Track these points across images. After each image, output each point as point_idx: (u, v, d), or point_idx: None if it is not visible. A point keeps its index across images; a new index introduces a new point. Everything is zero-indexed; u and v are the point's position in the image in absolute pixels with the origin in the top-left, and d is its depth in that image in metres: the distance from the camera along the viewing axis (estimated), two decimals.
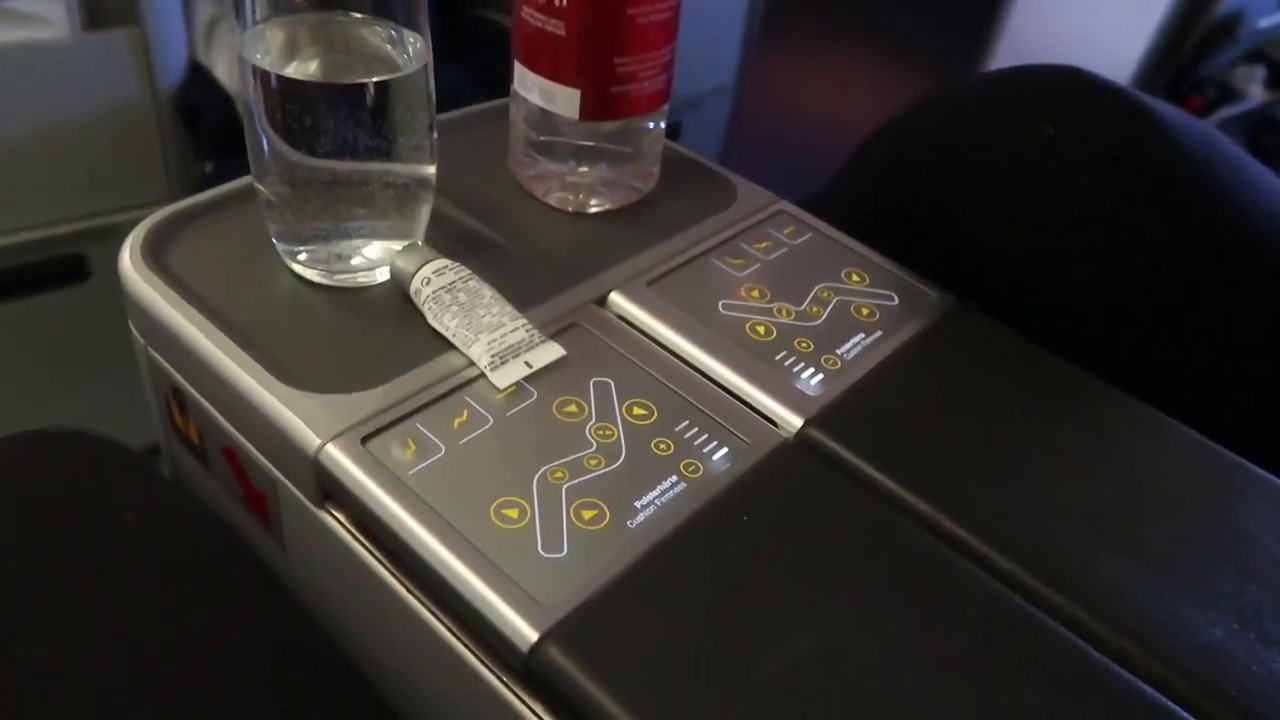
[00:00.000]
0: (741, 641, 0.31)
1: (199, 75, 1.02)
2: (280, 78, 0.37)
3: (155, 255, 0.42)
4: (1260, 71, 1.93)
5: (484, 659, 0.32)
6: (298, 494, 0.37)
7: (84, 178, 0.98)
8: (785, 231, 0.50)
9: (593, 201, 0.49)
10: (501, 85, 0.56)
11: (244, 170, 0.42)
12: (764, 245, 0.49)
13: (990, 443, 0.40)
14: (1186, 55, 1.85)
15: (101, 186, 0.99)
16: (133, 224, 0.43)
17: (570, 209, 0.49)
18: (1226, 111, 1.87)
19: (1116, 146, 0.46)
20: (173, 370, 0.41)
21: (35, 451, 0.42)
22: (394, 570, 0.35)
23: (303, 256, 0.42)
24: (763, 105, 1.85)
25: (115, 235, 1.02)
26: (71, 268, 1.01)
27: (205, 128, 1.00)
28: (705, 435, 0.38)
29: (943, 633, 0.33)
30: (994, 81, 0.51)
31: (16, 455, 0.42)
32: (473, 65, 1.11)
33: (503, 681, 0.32)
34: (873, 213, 0.55)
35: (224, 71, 1.02)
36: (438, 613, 0.34)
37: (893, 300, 0.47)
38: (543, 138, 0.48)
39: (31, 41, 0.90)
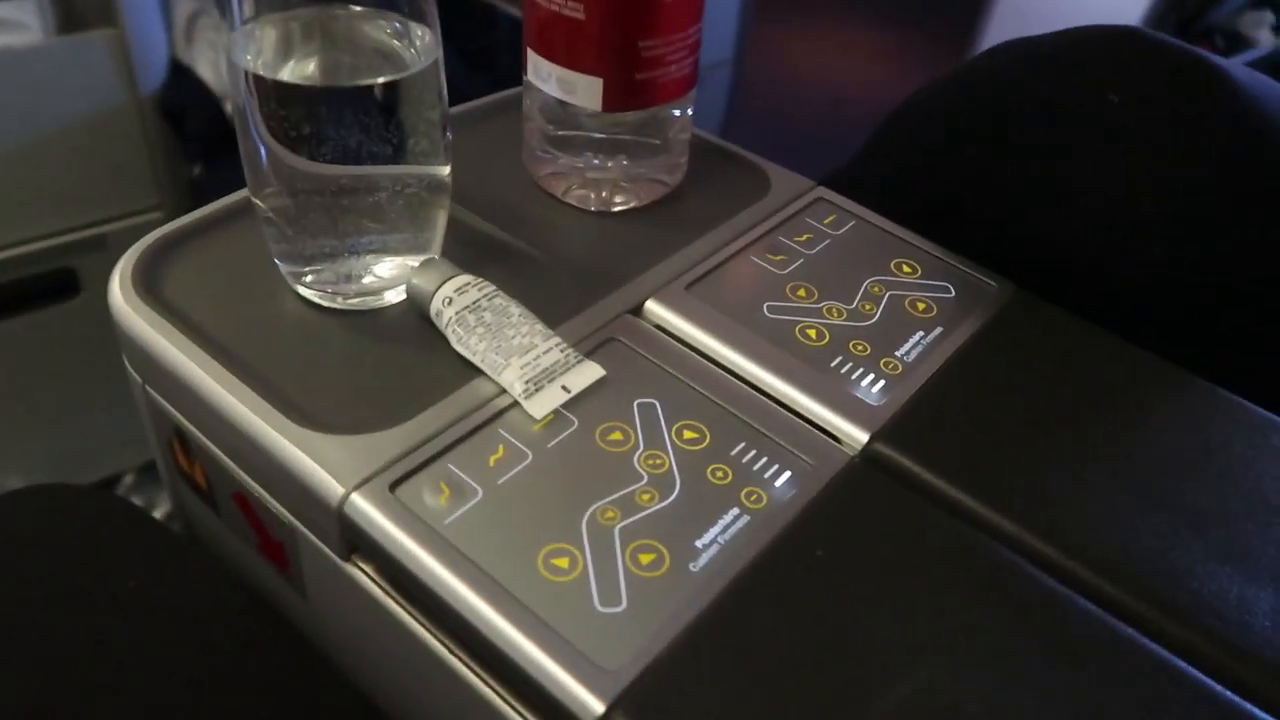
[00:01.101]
0: (831, 696, 0.28)
1: (181, 75, 0.97)
2: (275, 83, 0.33)
3: (148, 284, 0.38)
4: (1269, 17, 1.88)
5: None
6: (320, 545, 0.34)
7: (69, 187, 0.94)
8: (826, 221, 0.47)
9: (617, 199, 0.46)
10: (498, 70, 0.52)
11: (234, 171, 0.38)
12: (805, 237, 0.45)
13: (1074, 446, 0.37)
14: (1193, 2, 1.80)
15: (88, 196, 0.95)
16: (122, 234, 0.39)
17: (593, 208, 0.46)
18: (1236, 59, 1.82)
19: (1189, 113, 0.42)
20: (174, 411, 0.38)
21: (28, 512, 0.39)
22: (434, 630, 0.31)
23: (309, 278, 0.38)
24: (763, 78, 1.81)
25: (105, 247, 0.99)
26: (61, 283, 0.97)
27: (191, 129, 0.96)
28: (765, 458, 0.34)
29: (1055, 674, 0.29)
30: (1046, 46, 0.47)
31: (14, 514, 0.38)
32: (464, 48, 1.07)
33: None
34: (911, 193, 0.52)
35: (207, 69, 0.98)
36: (487, 679, 0.30)
37: (949, 292, 0.43)
38: (561, 132, 0.44)
39: (5, 48, 0.85)
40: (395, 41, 0.36)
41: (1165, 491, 0.35)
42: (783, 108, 1.79)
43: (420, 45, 0.36)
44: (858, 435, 0.36)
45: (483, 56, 1.09)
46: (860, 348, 0.40)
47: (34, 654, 0.34)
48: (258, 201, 0.37)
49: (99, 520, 0.39)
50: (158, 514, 1.06)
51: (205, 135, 0.97)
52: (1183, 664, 0.30)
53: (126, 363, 0.39)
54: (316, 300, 0.39)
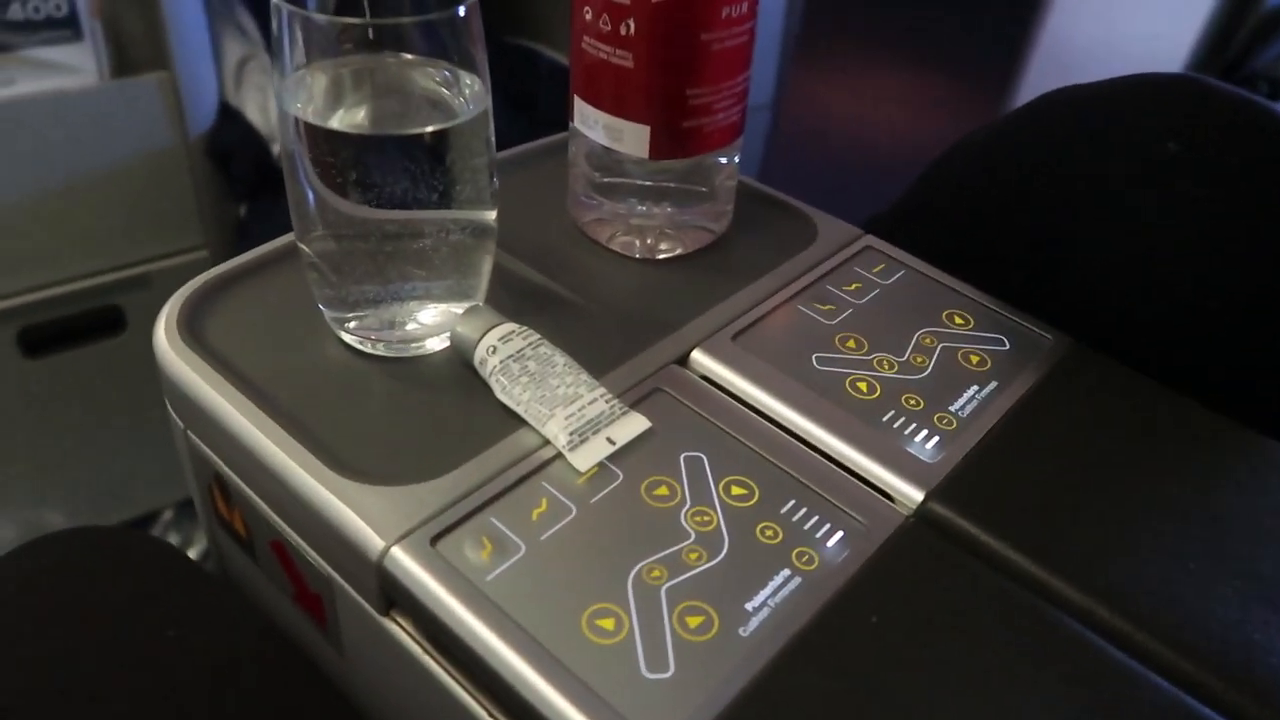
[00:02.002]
0: None
1: (230, 116, 0.99)
2: (325, 131, 0.33)
3: (192, 328, 0.38)
4: None
5: None
6: (358, 599, 0.33)
7: (117, 226, 0.95)
8: (875, 270, 0.46)
9: (662, 246, 0.45)
10: (535, 110, 0.52)
11: (278, 212, 0.38)
12: (854, 287, 0.44)
13: (1137, 507, 0.35)
14: (1235, 50, 1.78)
15: (135, 235, 0.96)
16: (167, 272, 0.39)
17: (637, 255, 0.45)
18: None
19: (1252, 161, 0.41)
20: (215, 457, 0.37)
21: (68, 554, 0.38)
22: (473, 691, 0.30)
23: (352, 324, 0.38)
24: (801, 122, 1.81)
25: (150, 285, 1.00)
26: (107, 320, 0.98)
27: (238, 170, 0.97)
28: (816, 517, 0.33)
29: None
30: (1099, 93, 0.46)
31: (48, 559, 0.38)
32: (505, 92, 1.08)
33: None
34: (957, 241, 0.51)
35: (255, 112, 1.00)
36: None
37: (1004, 345, 0.42)
38: (606, 179, 0.44)
39: (60, 91, 0.87)
40: (445, 90, 0.36)
41: (1235, 557, 0.34)
42: (821, 152, 1.79)
43: (469, 94, 0.35)
44: (912, 494, 0.35)
45: (523, 99, 1.10)
46: (913, 402, 0.38)
47: (66, 700, 0.33)
48: (303, 246, 0.37)
49: (134, 564, 0.38)
50: (193, 552, 1.06)
51: (251, 177, 0.99)
52: None
53: (169, 406, 0.39)
54: (360, 347, 0.38)
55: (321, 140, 0.33)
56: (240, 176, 0.98)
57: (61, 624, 0.36)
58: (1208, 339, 0.43)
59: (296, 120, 0.34)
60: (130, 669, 0.35)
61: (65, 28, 0.87)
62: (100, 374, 1.00)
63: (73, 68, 0.88)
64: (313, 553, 0.34)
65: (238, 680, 0.36)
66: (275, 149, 0.94)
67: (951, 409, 0.38)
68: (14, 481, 1.01)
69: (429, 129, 0.33)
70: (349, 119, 0.34)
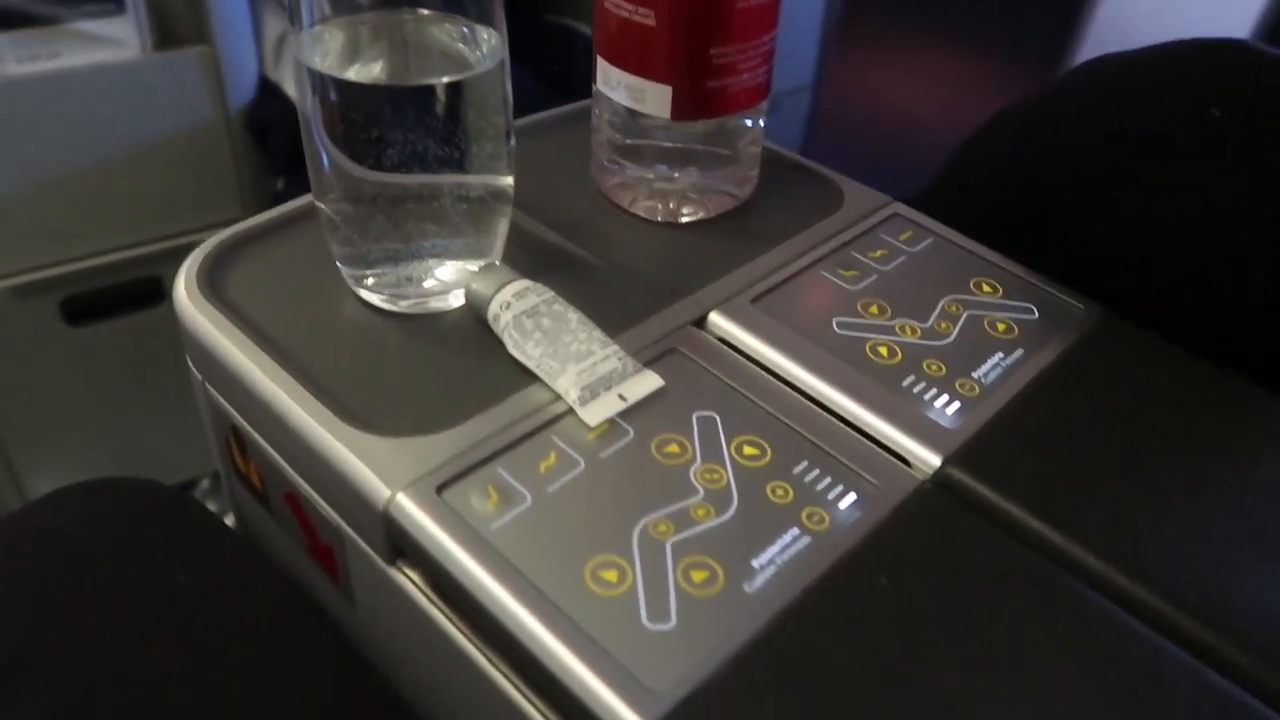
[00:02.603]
0: None
1: (269, 91, 1.00)
2: (340, 82, 0.33)
3: (212, 283, 0.39)
4: None
5: None
6: (366, 549, 0.33)
7: (158, 199, 0.97)
8: (902, 237, 0.45)
9: (685, 210, 0.45)
10: (574, 91, 0.52)
11: None
12: (879, 253, 0.44)
13: (1163, 477, 0.34)
14: None
15: (175, 207, 0.98)
16: None
17: (660, 219, 0.45)
18: None
19: None
20: (231, 409, 0.38)
21: (88, 504, 0.39)
22: (476, 640, 0.30)
23: (370, 281, 0.38)
24: (842, 104, 1.78)
25: (188, 256, 1.02)
26: (147, 290, 1.00)
27: (275, 144, 0.98)
28: (828, 478, 0.33)
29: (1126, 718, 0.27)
30: (1141, 60, 0.45)
31: (67, 509, 0.39)
32: (544, 71, 1.07)
33: None
34: (994, 212, 0.49)
35: (293, 86, 1.00)
36: (528, 693, 0.29)
37: (1032, 313, 0.41)
38: (629, 141, 0.43)
39: (104, 64, 0.89)
40: (461, 45, 0.36)
41: (1262, 529, 0.33)
42: (862, 133, 1.77)
43: (486, 48, 0.35)
44: (929, 458, 0.34)
45: (560, 79, 1.10)
46: (935, 368, 0.38)
47: (79, 640, 0.34)
48: (321, 205, 0.37)
49: (150, 513, 0.39)
50: (229, 519, 1.08)
51: (289, 151, 1.00)
52: (1273, 713, 0.27)
53: (189, 360, 0.40)
54: (376, 303, 0.38)
55: (338, 94, 0.33)
56: (278, 150, 1.00)
57: (78, 571, 0.36)
58: (1247, 312, 0.41)
59: (313, 73, 0.34)
60: (144, 614, 0.35)
61: (109, 1, 0.88)
62: (140, 343, 1.02)
63: (116, 41, 0.90)
64: (323, 503, 0.34)
65: (251, 628, 0.36)
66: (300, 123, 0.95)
67: (974, 375, 0.37)
68: (56, 447, 1.04)
69: (444, 80, 0.33)
70: (365, 73, 0.34)
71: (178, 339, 0.40)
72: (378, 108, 0.33)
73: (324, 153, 0.35)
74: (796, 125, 1.49)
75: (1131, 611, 0.30)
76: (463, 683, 0.31)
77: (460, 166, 0.36)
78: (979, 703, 0.27)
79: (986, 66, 1.96)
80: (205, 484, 1.16)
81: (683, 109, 0.41)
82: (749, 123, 0.44)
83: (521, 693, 0.29)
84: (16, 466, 1.02)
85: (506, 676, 0.29)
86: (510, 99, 0.36)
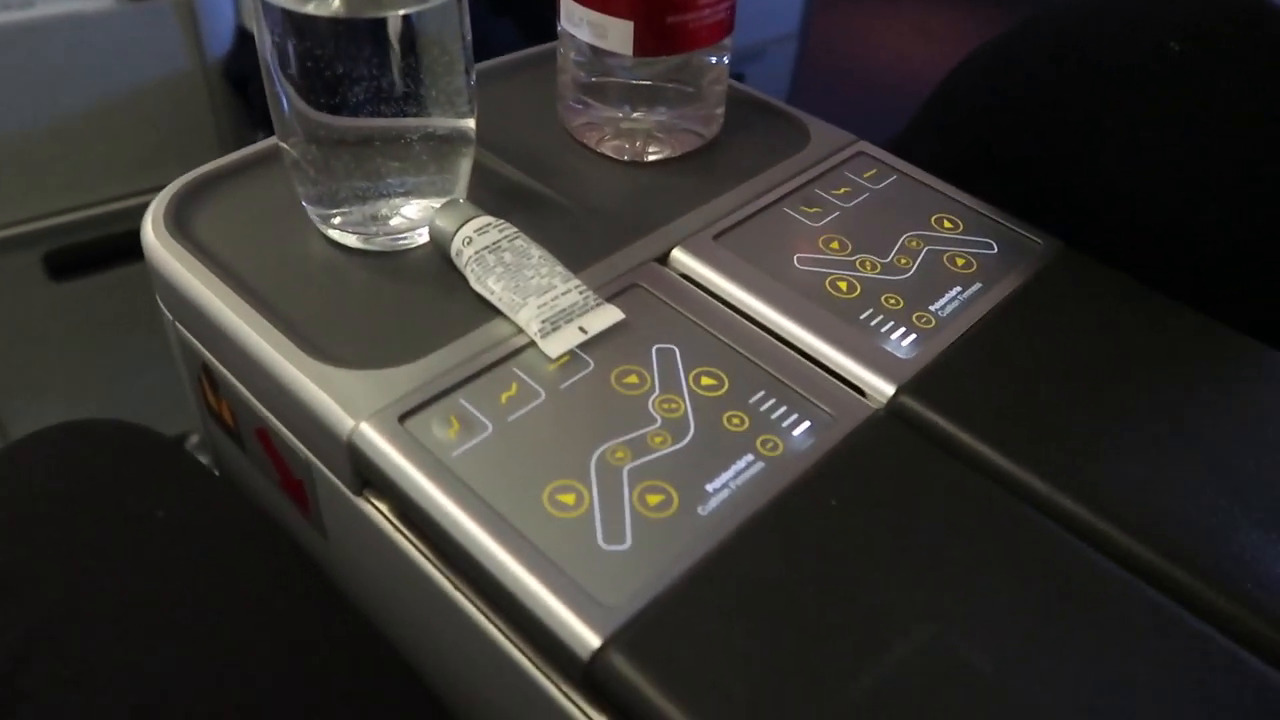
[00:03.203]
0: (834, 648, 0.27)
1: (246, 41, 0.99)
2: (297, 16, 0.33)
3: (180, 223, 0.39)
4: None
5: (539, 665, 0.29)
6: (334, 480, 0.34)
7: (138, 152, 0.96)
8: (866, 175, 0.45)
9: (651, 149, 0.45)
10: (550, 38, 0.52)
11: None
12: (842, 191, 0.44)
13: (1111, 407, 0.35)
14: None
15: (155, 159, 0.97)
16: None
17: (626, 158, 0.45)
18: None
19: (1259, 68, 0.40)
20: (201, 347, 0.38)
21: (65, 445, 0.39)
22: (439, 564, 0.31)
23: (336, 220, 0.38)
24: (829, 52, 1.77)
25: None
26: (130, 244, 1.00)
27: (254, 94, 0.97)
28: (784, 408, 0.34)
29: (1070, 634, 0.28)
30: None
31: (45, 449, 0.39)
32: (525, 19, 1.06)
33: (561, 690, 0.28)
34: (963, 152, 0.50)
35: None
36: (488, 612, 0.30)
37: (991, 248, 0.42)
38: (594, 79, 0.44)
39: (78, 14, 0.88)
40: None
41: (1209, 456, 0.34)
42: (849, 81, 1.75)
43: None
44: (883, 388, 0.35)
45: (542, 27, 1.09)
46: (893, 301, 0.38)
47: (55, 573, 0.35)
48: (284, 146, 0.38)
49: (131, 453, 0.40)
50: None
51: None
52: (1212, 630, 0.28)
53: (158, 300, 0.40)
54: (344, 241, 0.39)
55: (295, 29, 0.34)
56: (257, 101, 0.99)
57: (54, 508, 0.37)
58: (1200, 243, 0.42)
59: (269, 8, 0.34)
60: (121, 549, 0.36)
61: None
62: (124, 297, 1.02)
63: None
64: (292, 436, 0.35)
65: (228, 562, 0.37)
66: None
67: (932, 309, 0.38)
68: (42, 402, 1.04)
69: (400, 12, 0.33)
70: (322, 7, 0.34)
71: None
72: (335, 43, 0.33)
73: (283, 93, 0.35)
74: (783, 74, 1.48)
75: (1074, 532, 0.31)
76: (430, 607, 0.32)
77: (421, 104, 0.36)
78: (923, 618, 0.28)
79: (975, 11, 1.95)
80: (195, 439, 1.17)
81: (644, 45, 0.41)
82: (713, 59, 0.44)
83: (483, 612, 0.30)
84: (3, 420, 1.03)
85: (469, 598, 0.30)
86: (469, 36, 0.37)
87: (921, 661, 0.27)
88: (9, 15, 0.86)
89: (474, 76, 0.37)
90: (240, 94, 0.99)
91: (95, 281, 1.00)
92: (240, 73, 0.98)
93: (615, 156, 0.45)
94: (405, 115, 0.36)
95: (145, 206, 1.01)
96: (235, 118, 1.00)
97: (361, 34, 0.33)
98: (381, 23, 0.33)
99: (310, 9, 0.34)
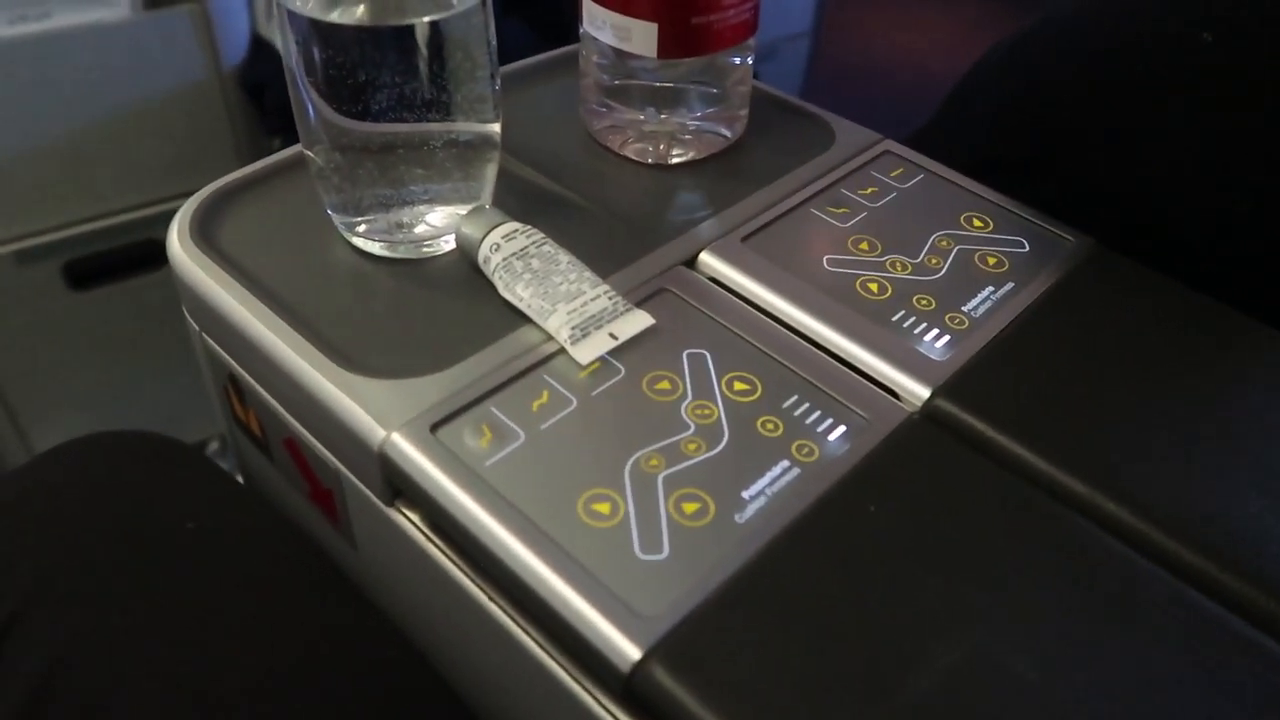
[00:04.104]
0: (877, 656, 0.26)
1: (261, 49, 0.99)
2: (322, 24, 0.33)
3: (205, 233, 0.39)
4: None
5: (578, 678, 0.28)
6: (365, 490, 0.33)
7: (154, 160, 0.96)
8: (892, 174, 0.45)
9: (674, 152, 0.45)
10: (568, 41, 0.52)
11: None
12: (870, 191, 0.43)
13: (1149, 407, 0.35)
14: None
15: (172, 168, 0.97)
16: None
17: (650, 161, 0.45)
18: None
19: None
20: (228, 357, 0.38)
21: (93, 456, 0.39)
22: (473, 576, 0.31)
23: (362, 228, 0.38)
24: (841, 50, 1.76)
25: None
26: (148, 253, 1.00)
27: (270, 102, 0.97)
28: (818, 412, 0.33)
29: (1115, 639, 0.27)
30: None
31: (74, 461, 0.39)
32: (536, 21, 1.06)
33: (600, 703, 0.28)
34: (987, 148, 0.49)
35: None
36: (524, 624, 0.30)
37: (1023, 247, 0.41)
38: (617, 82, 0.43)
39: (95, 23, 0.88)
40: None
41: (1249, 455, 0.33)
42: (862, 79, 1.75)
43: None
44: (918, 391, 0.34)
45: (553, 29, 1.09)
46: (925, 302, 0.38)
47: (88, 588, 0.34)
48: (309, 153, 0.37)
49: (158, 464, 0.40)
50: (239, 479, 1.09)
51: (284, 109, 0.99)
52: (1258, 632, 0.28)
53: (185, 310, 0.40)
54: (369, 249, 0.38)
55: (320, 37, 0.33)
56: (273, 108, 0.99)
57: (85, 521, 0.37)
58: (1233, 237, 0.41)
59: (295, 17, 0.33)
60: (153, 563, 0.36)
61: None
62: (143, 306, 1.02)
63: (106, 0, 0.89)
64: (321, 447, 0.35)
65: (258, 573, 0.37)
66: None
67: (964, 309, 0.38)
68: (63, 411, 1.04)
69: (425, 19, 0.33)
70: (347, 14, 0.34)
71: (179, 303, 0.40)
72: (360, 50, 0.33)
73: (309, 101, 0.35)
74: (796, 72, 1.47)
75: (1115, 534, 0.30)
76: (463, 619, 0.32)
77: (446, 111, 0.36)
78: (965, 624, 0.27)
79: (988, 8, 1.93)
80: (214, 445, 1.17)
81: (668, 46, 0.40)
82: (736, 60, 0.43)
83: (519, 624, 0.30)
84: (24, 430, 1.03)
85: (504, 609, 0.30)
86: (494, 41, 0.36)
87: (964, 668, 0.26)
88: (26, 26, 0.86)
89: (499, 81, 0.37)
90: (255, 102, 1.00)
91: (114, 290, 1.00)
92: (255, 81, 0.98)
93: (639, 160, 0.45)
94: (431, 121, 0.35)
95: (163, 215, 1.01)
96: (251, 126, 1.01)
97: (388, 41, 0.33)
98: (408, 29, 0.33)
99: (335, 17, 0.33)
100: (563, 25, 1.13)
